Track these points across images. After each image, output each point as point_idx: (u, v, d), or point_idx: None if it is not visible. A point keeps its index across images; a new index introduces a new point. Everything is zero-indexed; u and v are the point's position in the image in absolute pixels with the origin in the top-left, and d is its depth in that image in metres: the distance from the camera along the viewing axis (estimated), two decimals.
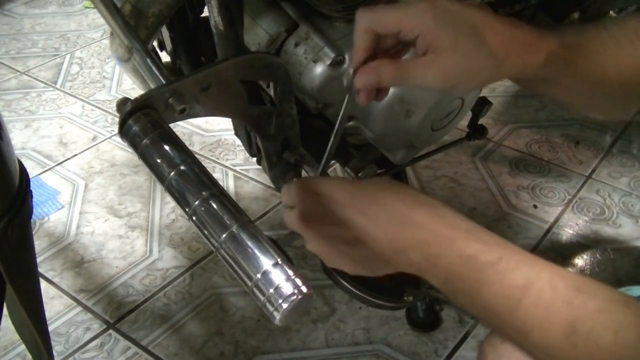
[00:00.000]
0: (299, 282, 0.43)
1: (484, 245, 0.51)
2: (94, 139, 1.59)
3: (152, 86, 0.75)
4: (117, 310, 1.15)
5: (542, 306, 0.47)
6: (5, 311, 0.59)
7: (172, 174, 0.49)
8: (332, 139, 0.60)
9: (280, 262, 0.44)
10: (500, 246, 0.51)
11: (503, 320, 0.49)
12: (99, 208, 1.38)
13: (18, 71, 1.89)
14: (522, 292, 0.48)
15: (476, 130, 1.07)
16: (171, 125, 0.56)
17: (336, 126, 0.60)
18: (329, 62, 0.78)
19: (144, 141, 0.51)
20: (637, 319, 0.45)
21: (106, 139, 1.59)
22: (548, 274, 0.48)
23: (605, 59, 0.60)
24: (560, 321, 0.46)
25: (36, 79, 1.85)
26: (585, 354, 0.45)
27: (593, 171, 1.46)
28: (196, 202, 0.47)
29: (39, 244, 1.28)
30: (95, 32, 2.10)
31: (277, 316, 0.43)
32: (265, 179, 1.41)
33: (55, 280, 1.21)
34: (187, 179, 0.49)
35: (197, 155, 0.54)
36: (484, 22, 0.55)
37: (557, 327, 0.46)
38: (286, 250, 0.48)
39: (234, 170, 1.46)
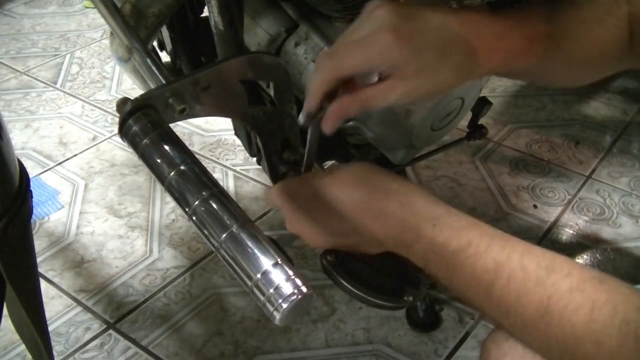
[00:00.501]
0: (298, 282, 0.43)
1: (453, 231, 0.52)
2: (94, 139, 1.59)
3: (152, 86, 0.75)
4: (117, 310, 1.15)
5: (514, 288, 0.47)
6: (5, 311, 0.59)
7: (172, 174, 0.49)
8: (304, 164, 0.64)
9: (280, 262, 0.44)
10: (469, 230, 0.52)
11: (480, 302, 0.50)
12: (99, 208, 1.38)
13: (18, 71, 1.89)
14: (493, 275, 0.48)
15: (476, 130, 1.07)
16: (171, 125, 0.56)
17: (305, 155, 0.63)
18: None
19: (144, 141, 0.51)
20: (611, 295, 0.45)
21: (106, 139, 1.59)
22: (518, 255, 0.49)
23: (574, 44, 0.60)
24: (533, 302, 0.46)
25: (36, 79, 1.85)
26: (560, 332, 0.45)
27: (593, 171, 1.47)
28: (196, 202, 0.47)
29: (39, 244, 1.28)
30: (95, 32, 2.10)
31: (277, 316, 0.43)
32: (265, 179, 1.41)
33: (55, 280, 1.21)
34: (187, 179, 0.49)
35: (197, 155, 0.54)
36: (457, 33, 0.54)
37: (531, 308, 0.46)
38: (286, 250, 0.48)
39: (234, 170, 1.46)
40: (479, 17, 0.56)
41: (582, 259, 1.25)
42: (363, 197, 0.57)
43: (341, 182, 0.59)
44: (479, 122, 1.06)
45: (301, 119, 0.56)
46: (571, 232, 1.30)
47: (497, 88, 1.75)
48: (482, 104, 1.01)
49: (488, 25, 0.56)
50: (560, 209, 1.36)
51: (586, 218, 1.34)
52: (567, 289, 0.46)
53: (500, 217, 1.32)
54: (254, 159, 0.91)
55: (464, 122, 1.02)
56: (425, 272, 0.55)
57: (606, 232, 1.30)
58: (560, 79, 0.68)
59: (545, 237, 1.29)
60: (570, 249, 1.26)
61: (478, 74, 0.57)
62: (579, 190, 1.41)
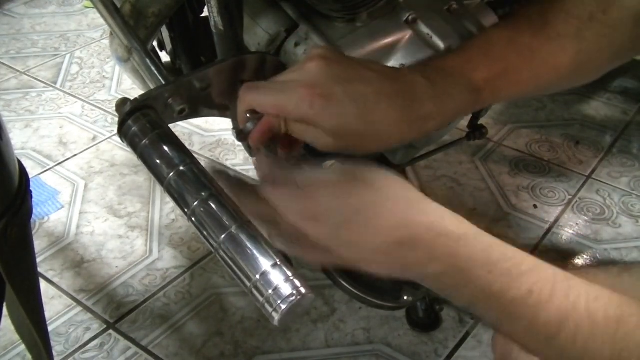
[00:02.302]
0: (297, 282, 0.43)
1: (511, 279, 0.47)
2: (94, 139, 1.59)
3: (152, 86, 0.75)
4: (117, 310, 1.15)
5: (581, 341, 0.44)
6: (5, 311, 0.59)
7: (171, 174, 0.49)
8: None
9: (279, 263, 0.44)
10: (529, 276, 0.47)
11: (538, 349, 0.47)
12: (99, 208, 1.38)
13: (18, 71, 1.89)
14: (557, 329, 0.45)
15: (476, 130, 1.06)
16: (171, 125, 0.56)
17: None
18: None
19: (143, 141, 0.51)
20: None
21: (106, 139, 1.59)
22: (584, 302, 0.45)
23: (542, 66, 0.62)
24: (603, 356, 0.44)
25: (36, 79, 1.85)
26: None
27: (593, 171, 1.46)
28: (195, 203, 0.47)
29: (39, 244, 1.28)
30: (95, 32, 2.10)
31: (276, 317, 0.43)
32: None
33: (55, 280, 1.21)
34: (186, 179, 0.49)
35: (197, 156, 0.54)
36: (389, 102, 0.54)
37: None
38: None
39: (234, 171, 1.46)
40: (419, 79, 0.56)
41: (582, 259, 1.25)
42: (397, 235, 0.48)
43: (362, 193, 0.49)
44: (479, 122, 1.06)
45: (233, 135, 0.56)
46: (571, 232, 1.30)
47: None
48: None
49: (426, 88, 0.56)
50: (560, 209, 1.36)
51: (586, 218, 1.34)
52: (638, 342, 0.43)
53: (500, 217, 1.32)
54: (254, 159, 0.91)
55: (464, 122, 1.02)
56: (470, 311, 0.52)
57: (606, 232, 1.30)
58: (545, 90, 0.69)
59: (545, 237, 1.29)
60: (570, 249, 1.26)
61: (428, 130, 0.57)
62: (579, 190, 1.41)
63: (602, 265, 0.58)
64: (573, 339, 0.44)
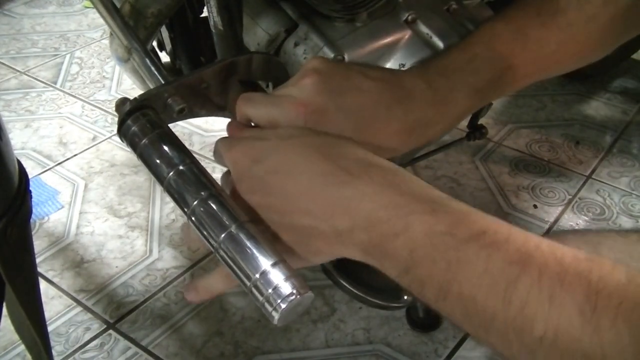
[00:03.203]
0: (297, 282, 0.43)
1: (459, 218, 0.39)
2: (94, 139, 1.59)
3: (152, 86, 0.75)
4: (117, 310, 1.15)
5: (547, 284, 0.36)
6: (4, 311, 0.60)
7: (170, 174, 0.49)
8: None
9: (279, 262, 0.44)
10: (481, 216, 0.40)
11: (490, 312, 0.37)
12: (99, 208, 1.38)
13: (18, 71, 1.89)
14: (518, 269, 0.37)
15: (476, 130, 1.07)
16: (171, 125, 0.56)
17: None
18: None
19: (143, 141, 0.51)
20: None
21: (106, 139, 1.59)
22: (548, 246, 0.38)
23: (553, 60, 0.61)
24: (575, 300, 0.35)
25: (36, 79, 1.85)
26: (616, 338, 0.33)
27: (593, 171, 1.46)
28: (195, 203, 0.47)
29: (38, 244, 1.28)
30: (95, 32, 2.10)
31: (276, 316, 0.43)
32: None
33: (55, 280, 1.21)
34: (186, 179, 0.49)
35: (197, 155, 0.54)
36: (387, 112, 0.53)
37: (571, 310, 0.35)
38: None
39: None
40: (419, 84, 0.55)
41: None
42: (326, 169, 0.43)
43: (294, 147, 0.46)
44: (479, 122, 1.06)
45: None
46: None
47: None
48: None
49: (428, 94, 0.55)
50: (560, 209, 1.36)
51: (586, 218, 1.34)
52: (617, 281, 0.35)
53: (500, 217, 1.31)
54: None
55: (464, 122, 1.02)
56: (401, 280, 0.41)
57: None
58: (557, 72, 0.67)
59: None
60: None
61: (431, 137, 0.56)
62: (579, 190, 1.41)
63: (623, 230, 0.55)
64: (538, 282, 0.36)
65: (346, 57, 0.79)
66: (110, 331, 1.11)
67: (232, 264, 0.45)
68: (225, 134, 0.56)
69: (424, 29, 0.79)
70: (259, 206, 0.47)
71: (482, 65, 0.57)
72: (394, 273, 0.42)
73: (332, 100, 0.52)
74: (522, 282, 0.36)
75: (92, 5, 0.78)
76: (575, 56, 0.63)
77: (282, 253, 0.45)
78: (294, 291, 0.43)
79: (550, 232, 1.25)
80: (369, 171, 0.43)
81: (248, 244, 0.45)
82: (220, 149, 0.52)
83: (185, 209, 0.48)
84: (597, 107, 1.69)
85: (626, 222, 1.32)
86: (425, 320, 1.11)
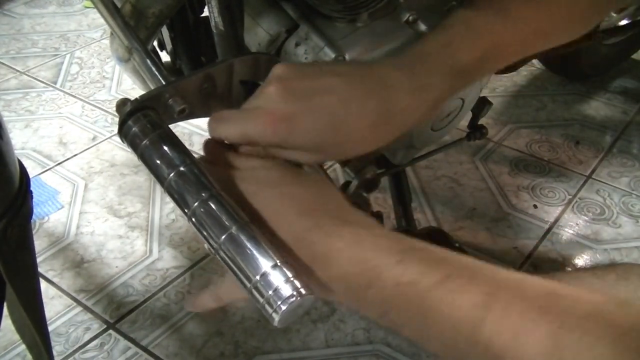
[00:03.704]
0: (298, 283, 0.43)
1: (425, 266, 0.42)
2: (94, 139, 1.59)
3: (152, 87, 0.75)
4: (117, 310, 1.15)
5: (510, 323, 0.37)
6: (5, 311, 0.59)
7: (171, 175, 0.49)
8: None
9: (279, 264, 0.44)
10: (446, 262, 0.42)
11: (462, 352, 0.40)
12: (99, 208, 1.38)
13: (18, 71, 1.89)
14: (483, 310, 0.38)
15: (476, 130, 1.07)
16: (171, 125, 0.56)
17: None
18: None
19: (144, 142, 0.51)
20: (629, 318, 0.36)
21: (106, 139, 1.59)
22: (515, 282, 0.40)
23: (536, 37, 0.60)
24: (538, 338, 0.36)
25: (36, 79, 1.85)
26: None
27: (593, 171, 1.46)
28: (195, 204, 0.47)
29: (39, 244, 1.28)
30: (95, 32, 2.10)
31: (276, 318, 0.43)
32: None
33: (55, 280, 1.21)
34: (187, 180, 0.49)
35: (197, 156, 0.54)
36: (360, 106, 0.52)
37: (537, 343, 0.36)
38: None
39: None
40: (392, 73, 0.54)
41: (582, 259, 1.25)
42: (306, 225, 0.46)
43: (274, 197, 0.48)
44: (479, 122, 1.06)
45: None
46: (571, 232, 1.30)
47: (497, 88, 1.75)
48: (482, 104, 1.01)
49: (401, 82, 0.53)
50: (560, 209, 1.36)
51: (586, 218, 1.34)
52: (580, 315, 0.37)
53: (500, 217, 1.32)
54: None
55: (464, 122, 1.02)
56: (383, 323, 0.44)
57: (606, 232, 1.30)
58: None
59: (545, 237, 1.29)
60: (570, 249, 1.26)
61: (410, 125, 0.55)
62: (579, 190, 1.41)
63: (599, 269, 0.53)
64: (501, 321, 0.38)
65: (347, 57, 0.79)
66: (110, 331, 1.11)
67: (232, 265, 0.45)
68: None
69: (424, 29, 0.79)
70: None
71: (461, 46, 0.55)
72: (373, 317, 0.45)
73: (298, 103, 0.51)
74: (487, 324, 0.38)
75: (92, 5, 0.78)
76: (559, 31, 0.60)
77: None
78: (294, 293, 0.43)
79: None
80: (342, 231, 0.45)
81: (248, 245, 0.45)
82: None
83: (186, 210, 0.48)
84: (597, 107, 1.69)
85: (626, 222, 1.32)
86: None
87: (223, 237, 0.45)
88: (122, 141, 0.54)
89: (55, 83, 1.83)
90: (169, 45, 0.97)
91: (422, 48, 0.56)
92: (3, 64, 1.93)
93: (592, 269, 0.55)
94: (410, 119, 0.54)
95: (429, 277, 0.41)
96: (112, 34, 0.87)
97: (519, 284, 0.40)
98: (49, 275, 1.22)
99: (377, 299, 0.43)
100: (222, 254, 0.46)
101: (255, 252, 0.44)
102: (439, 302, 0.40)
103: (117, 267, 1.24)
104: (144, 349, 1.08)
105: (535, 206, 1.36)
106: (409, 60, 0.55)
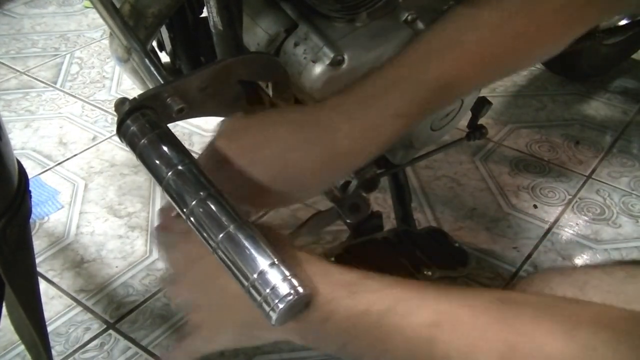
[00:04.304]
0: (295, 282, 0.43)
1: (375, 294, 0.43)
2: (94, 139, 1.59)
3: (151, 86, 0.75)
4: (117, 310, 1.15)
5: (463, 335, 0.38)
6: (4, 311, 0.60)
7: (169, 174, 0.49)
8: None
9: (277, 262, 0.44)
10: (394, 287, 0.43)
11: None
12: (99, 208, 1.38)
13: (18, 71, 1.89)
14: (435, 328, 0.40)
15: (476, 130, 1.07)
16: (171, 125, 0.56)
17: None
18: (328, 62, 0.78)
19: (142, 141, 0.51)
20: (583, 317, 0.37)
21: (106, 139, 1.59)
22: (460, 297, 0.41)
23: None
24: (493, 347, 0.37)
25: (36, 79, 1.85)
26: None
27: (593, 171, 1.46)
28: (193, 203, 0.47)
29: (38, 244, 1.28)
30: (95, 32, 2.10)
31: (274, 316, 0.43)
32: None
33: (55, 280, 1.21)
34: (185, 179, 0.49)
35: (196, 155, 0.54)
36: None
37: (492, 351, 0.37)
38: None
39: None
40: (335, 117, 0.54)
41: (582, 259, 1.25)
42: None
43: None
44: (478, 122, 1.06)
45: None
46: (571, 232, 1.30)
47: (497, 88, 1.75)
48: (482, 104, 1.01)
49: (344, 125, 0.54)
50: (560, 209, 1.36)
51: (586, 218, 1.34)
52: (530, 316, 0.38)
53: (500, 217, 1.32)
54: None
55: (464, 122, 1.02)
56: (344, 354, 0.46)
57: (606, 232, 1.30)
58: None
59: (545, 237, 1.29)
60: (570, 249, 1.26)
61: (358, 165, 0.56)
62: (579, 190, 1.41)
63: (609, 266, 0.53)
64: (453, 335, 0.39)
65: (346, 56, 0.79)
66: (110, 331, 1.11)
67: (230, 264, 0.45)
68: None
69: (423, 28, 0.79)
70: (197, 305, 0.52)
71: (409, 87, 0.54)
72: (333, 350, 0.46)
73: (244, 157, 0.53)
74: (440, 341, 0.39)
75: (92, 5, 0.78)
76: (520, 54, 0.57)
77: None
78: (292, 291, 0.43)
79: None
80: (294, 270, 0.46)
81: (246, 244, 0.45)
82: (159, 245, 0.55)
83: (184, 209, 0.48)
84: (597, 107, 1.69)
85: (626, 222, 1.32)
86: None
87: (221, 235, 0.45)
88: (121, 140, 0.54)
89: (55, 83, 1.83)
90: (168, 46, 0.97)
91: (368, 89, 0.55)
92: (3, 64, 1.93)
93: (602, 265, 0.55)
94: (356, 161, 0.55)
95: (380, 304, 0.42)
96: (111, 34, 0.87)
97: (465, 298, 0.41)
98: (49, 275, 1.22)
99: (335, 332, 0.44)
100: (219, 252, 0.46)
101: (252, 251, 0.44)
102: (393, 327, 0.41)
103: (117, 267, 1.24)
104: (144, 349, 1.08)
105: (535, 206, 1.36)
106: (352, 104, 0.55)
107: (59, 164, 1.51)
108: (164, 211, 0.58)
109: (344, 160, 0.55)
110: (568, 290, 0.44)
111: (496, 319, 0.38)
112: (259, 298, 0.43)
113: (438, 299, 0.42)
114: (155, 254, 1.26)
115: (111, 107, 1.71)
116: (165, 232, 0.55)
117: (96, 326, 1.12)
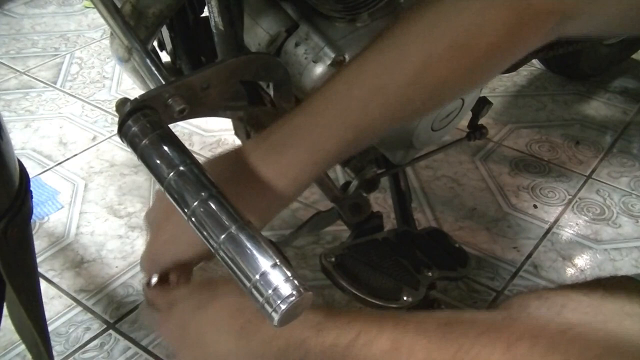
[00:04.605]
0: (297, 283, 0.43)
1: (339, 328, 0.49)
2: (94, 139, 1.59)
3: (152, 86, 0.75)
4: (117, 310, 1.15)
5: (419, 357, 0.44)
6: (5, 311, 0.59)
7: (171, 174, 0.49)
8: None
9: (278, 263, 0.44)
10: (356, 321, 0.49)
11: None
12: (99, 208, 1.38)
13: (18, 71, 1.89)
14: (393, 354, 0.45)
15: (476, 130, 1.07)
16: (171, 125, 0.56)
17: None
18: (329, 62, 0.78)
19: (143, 142, 0.51)
20: (522, 332, 0.43)
21: (106, 139, 1.59)
22: (414, 324, 0.47)
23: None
24: None
25: (36, 79, 1.85)
26: None
27: (593, 171, 1.46)
28: (195, 203, 0.47)
29: (39, 244, 1.28)
30: (95, 32, 2.10)
31: (276, 317, 0.43)
32: None
33: (55, 280, 1.21)
34: (186, 179, 0.49)
35: (197, 156, 0.54)
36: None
37: None
38: (286, 250, 0.48)
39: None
40: (254, 161, 0.55)
41: (582, 259, 1.25)
42: (237, 324, 0.54)
43: (208, 317, 0.57)
44: (479, 122, 1.06)
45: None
46: (571, 232, 1.30)
47: (497, 88, 1.75)
48: (482, 104, 1.01)
49: (259, 174, 0.55)
50: (560, 209, 1.36)
51: (586, 218, 1.34)
52: (475, 334, 0.43)
53: (500, 217, 1.32)
54: None
55: (464, 122, 1.02)
56: None
57: (606, 232, 1.30)
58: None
59: (545, 237, 1.29)
60: (570, 249, 1.26)
61: (288, 203, 0.58)
62: (579, 190, 1.41)
63: (586, 286, 0.54)
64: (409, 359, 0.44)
65: (347, 57, 0.79)
66: (110, 331, 1.11)
67: (232, 264, 0.45)
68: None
69: None
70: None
71: (325, 134, 0.54)
72: None
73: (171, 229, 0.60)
74: None
75: (92, 5, 0.78)
76: (441, 95, 0.57)
77: None
78: (294, 292, 0.43)
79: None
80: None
81: (248, 244, 0.45)
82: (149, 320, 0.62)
83: (186, 210, 0.48)
84: (597, 107, 1.69)
85: (626, 222, 1.32)
86: None
87: (222, 236, 0.45)
88: (122, 141, 0.54)
89: (55, 83, 1.83)
90: (169, 45, 0.97)
91: (286, 133, 0.56)
92: (3, 64, 1.93)
93: (580, 285, 0.57)
94: (283, 200, 0.57)
95: (345, 337, 0.48)
96: (112, 34, 0.87)
97: (420, 322, 0.47)
98: (49, 275, 1.22)
99: None
100: (221, 253, 0.46)
101: (254, 252, 0.44)
102: (357, 357, 0.47)
103: (117, 267, 1.24)
104: (144, 349, 1.08)
105: (535, 206, 1.36)
106: (267, 149, 0.56)
107: (59, 164, 1.51)
108: (149, 286, 0.65)
109: (274, 200, 0.57)
110: (546, 314, 0.50)
111: (447, 340, 0.44)
112: (261, 299, 0.43)
113: (395, 327, 0.47)
114: None
115: (111, 107, 1.71)
116: (152, 307, 0.61)
117: (96, 326, 1.12)
